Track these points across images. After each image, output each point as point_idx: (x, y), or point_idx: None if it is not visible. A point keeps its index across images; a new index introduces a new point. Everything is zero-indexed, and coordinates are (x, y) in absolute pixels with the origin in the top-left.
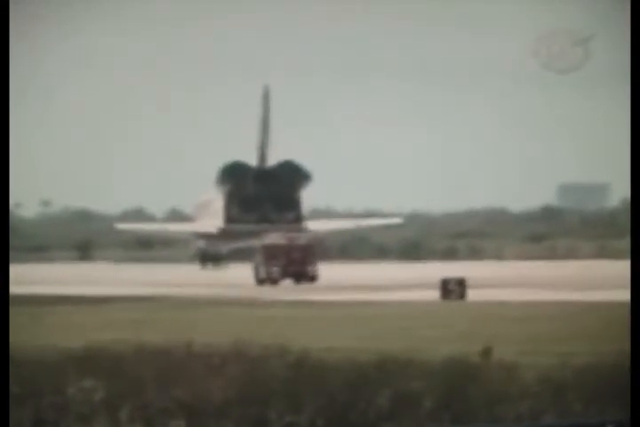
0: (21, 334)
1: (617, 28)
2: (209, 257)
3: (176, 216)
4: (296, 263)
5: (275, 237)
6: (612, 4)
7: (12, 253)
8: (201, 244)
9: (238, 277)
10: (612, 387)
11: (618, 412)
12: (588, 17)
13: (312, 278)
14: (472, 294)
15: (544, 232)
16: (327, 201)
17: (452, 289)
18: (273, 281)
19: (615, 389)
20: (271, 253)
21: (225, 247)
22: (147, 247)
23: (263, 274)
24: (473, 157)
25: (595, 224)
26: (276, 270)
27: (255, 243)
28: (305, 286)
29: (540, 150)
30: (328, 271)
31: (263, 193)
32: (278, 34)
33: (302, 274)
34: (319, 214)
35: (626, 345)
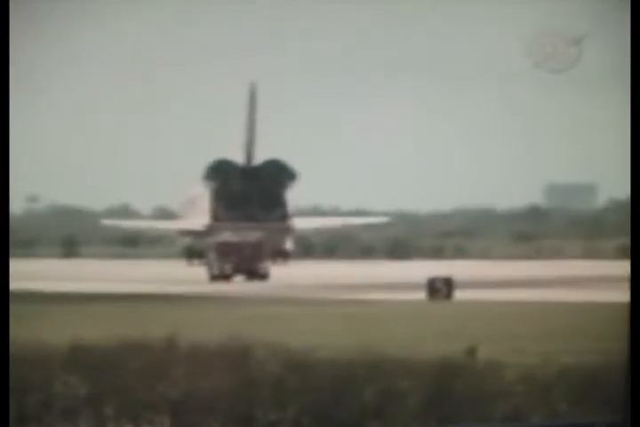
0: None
1: (609, 27)
2: (195, 254)
3: (162, 213)
4: (247, 261)
5: (227, 235)
6: (607, 3)
7: None
8: (187, 241)
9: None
10: (597, 386)
11: (603, 411)
12: (581, 17)
13: (263, 276)
14: (459, 294)
15: (531, 232)
16: (314, 200)
17: (439, 288)
18: (225, 277)
19: (600, 388)
20: (224, 251)
21: None
22: (132, 244)
23: (216, 270)
24: (460, 156)
25: (581, 224)
26: (228, 267)
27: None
28: (293, 284)
29: (528, 150)
30: (314, 270)
31: (249, 191)
32: (265, 31)
33: (253, 271)
34: (305, 213)
35: (610, 344)
